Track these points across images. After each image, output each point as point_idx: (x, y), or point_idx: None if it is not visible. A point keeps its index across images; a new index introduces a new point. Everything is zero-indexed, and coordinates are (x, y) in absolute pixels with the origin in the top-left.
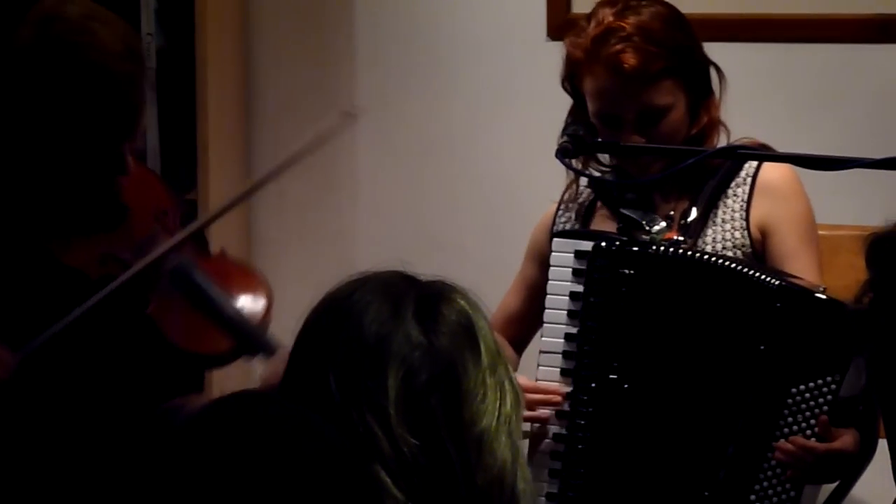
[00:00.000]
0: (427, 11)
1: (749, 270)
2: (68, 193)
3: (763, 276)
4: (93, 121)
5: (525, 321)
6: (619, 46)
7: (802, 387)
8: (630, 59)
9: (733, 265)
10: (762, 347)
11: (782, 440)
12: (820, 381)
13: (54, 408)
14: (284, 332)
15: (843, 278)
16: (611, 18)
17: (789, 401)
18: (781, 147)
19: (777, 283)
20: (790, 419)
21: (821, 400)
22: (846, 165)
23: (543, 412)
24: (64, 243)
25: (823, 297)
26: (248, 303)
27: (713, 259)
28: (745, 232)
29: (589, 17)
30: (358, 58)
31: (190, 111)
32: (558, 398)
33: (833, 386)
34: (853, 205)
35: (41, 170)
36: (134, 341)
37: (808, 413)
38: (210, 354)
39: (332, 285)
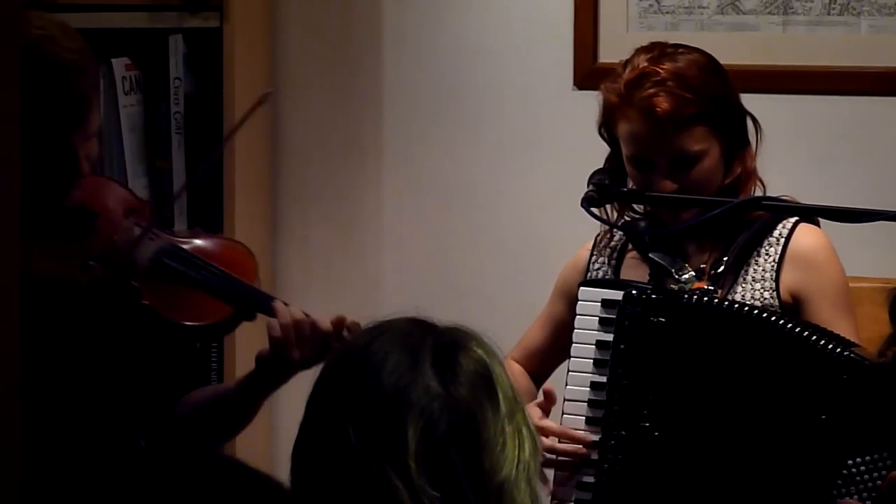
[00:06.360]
0: (454, 60)
1: (806, 332)
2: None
3: (826, 343)
4: (38, 109)
5: (547, 356)
6: (651, 91)
7: (859, 459)
8: (662, 104)
9: (787, 324)
10: (823, 417)
11: None
12: (876, 456)
13: (69, 417)
14: (306, 377)
15: (866, 331)
16: (645, 64)
17: (844, 472)
18: (805, 199)
19: (845, 353)
20: (843, 490)
21: (875, 474)
22: (870, 218)
23: (568, 447)
24: (41, 259)
25: (890, 372)
26: (235, 267)
27: (762, 314)
28: (775, 293)
29: (625, 63)
30: (384, 104)
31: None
32: (587, 442)
33: (889, 461)
34: (876, 257)
35: None
36: (140, 333)
37: (861, 486)
38: (215, 323)
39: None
